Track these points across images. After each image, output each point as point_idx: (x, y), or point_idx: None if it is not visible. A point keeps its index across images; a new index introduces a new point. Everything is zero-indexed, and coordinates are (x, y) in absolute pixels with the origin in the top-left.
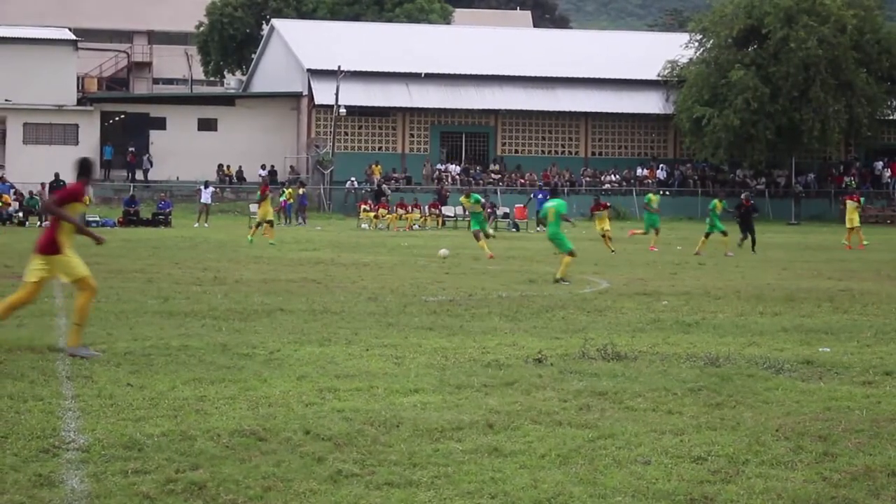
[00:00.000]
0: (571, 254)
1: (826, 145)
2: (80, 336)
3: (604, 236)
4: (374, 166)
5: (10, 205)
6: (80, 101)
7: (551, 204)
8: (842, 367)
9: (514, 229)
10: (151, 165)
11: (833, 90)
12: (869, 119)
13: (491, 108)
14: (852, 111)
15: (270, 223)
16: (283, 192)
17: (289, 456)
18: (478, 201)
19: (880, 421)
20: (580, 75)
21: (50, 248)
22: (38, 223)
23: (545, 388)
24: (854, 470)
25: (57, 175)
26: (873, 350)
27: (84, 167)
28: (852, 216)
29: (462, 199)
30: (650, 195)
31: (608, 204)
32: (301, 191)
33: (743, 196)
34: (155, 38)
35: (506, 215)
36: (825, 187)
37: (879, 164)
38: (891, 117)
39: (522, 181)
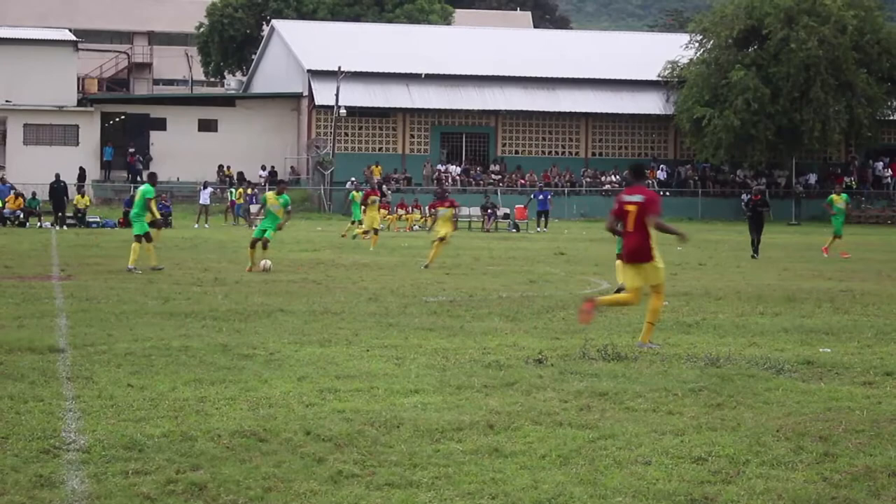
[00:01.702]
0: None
1: (826, 146)
2: (651, 333)
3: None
4: (374, 167)
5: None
6: (80, 102)
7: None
8: (842, 367)
9: (514, 230)
10: (144, 166)
11: (833, 91)
12: (869, 119)
13: (491, 108)
14: (853, 112)
15: (376, 231)
16: (233, 191)
17: (289, 456)
18: (287, 203)
19: (881, 421)
20: (580, 76)
21: (643, 256)
22: (38, 224)
23: (545, 389)
24: (855, 470)
25: (57, 176)
26: (874, 350)
27: (639, 172)
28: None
29: (268, 194)
30: (832, 196)
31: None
32: (250, 191)
33: (754, 189)
34: (155, 38)
35: (506, 216)
36: (826, 188)
37: (880, 165)
38: (891, 118)
39: (523, 182)
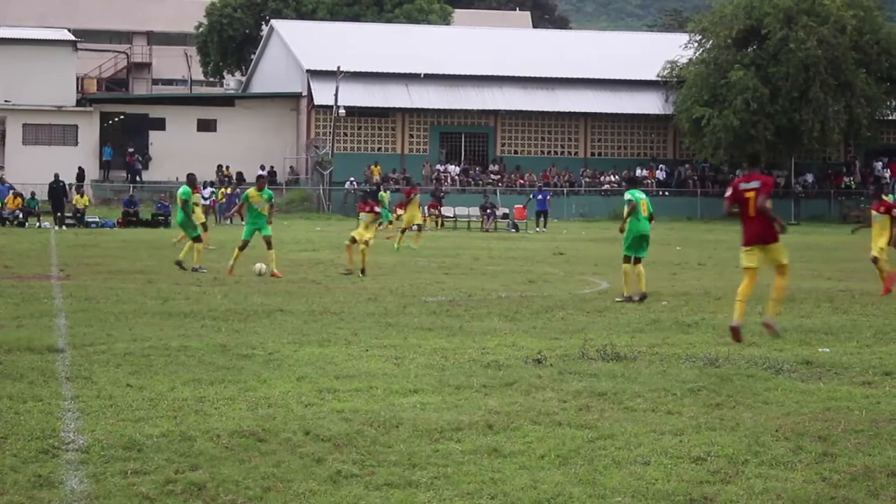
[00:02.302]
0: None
1: (826, 146)
2: (777, 308)
3: None
4: (373, 167)
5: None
6: (79, 102)
7: (641, 196)
8: (841, 367)
9: (513, 230)
10: (143, 166)
11: (833, 91)
12: (868, 119)
13: (490, 108)
14: (852, 111)
15: (420, 227)
16: (214, 192)
17: (288, 456)
18: (270, 198)
19: (880, 421)
20: (579, 76)
21: (770, 237)
22: (37, 224)
23: (545, 389)
24: (853, 470)
25: (56, 176)
26: (873, 350)
27: (755, 159)
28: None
29: (251, 191)
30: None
31: None
32: (227, 191)
33: None
34: (154, 38)
35: (505, 216)
36: (825, 188)
37: (879, 165)
38: (890, 117)
39: (522, 182)
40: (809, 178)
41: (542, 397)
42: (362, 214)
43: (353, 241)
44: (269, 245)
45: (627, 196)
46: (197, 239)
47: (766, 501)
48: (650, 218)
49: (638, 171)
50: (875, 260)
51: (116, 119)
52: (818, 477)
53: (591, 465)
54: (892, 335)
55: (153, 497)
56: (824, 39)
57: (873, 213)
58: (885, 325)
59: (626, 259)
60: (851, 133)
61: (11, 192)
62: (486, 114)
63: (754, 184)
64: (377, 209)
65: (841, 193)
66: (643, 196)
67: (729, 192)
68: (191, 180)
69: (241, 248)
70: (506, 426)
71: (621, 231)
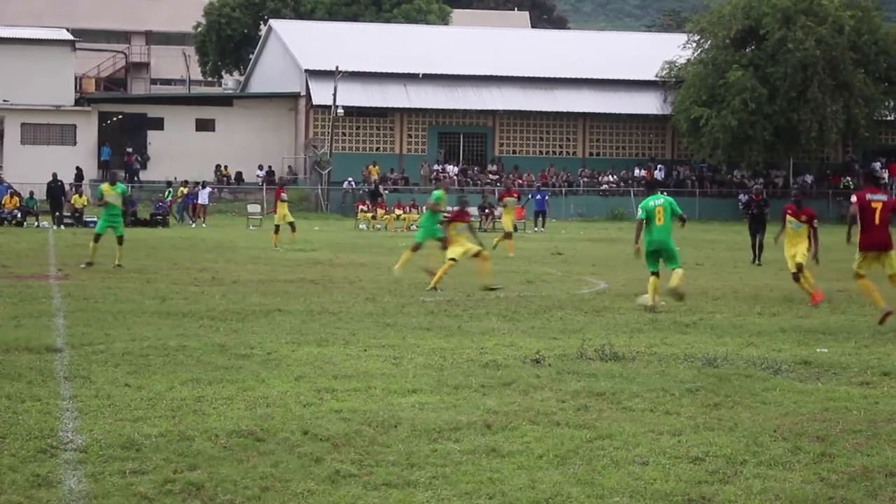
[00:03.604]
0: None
1: (824, 146)
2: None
3: None
4: (371, 167)
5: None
6: (77, 102)
7: (659, 201)
8: (840, 367)
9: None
10: (142, 166)
11: (831, 91)
12: (867, 120)
13: (489, 108)
14: (850, 112)
15: (509, 235)
16: (171, 191)
17: (287, 456)
18: (124, 192)
19: (878, 421)
20: (578, 76)
21: (888, 246)
22: (36, 224)
23: (543, 389)
24: (852, 470)
25: (55, 175)
26: (871, 350)
27: (872, 176)
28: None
29: (104, 186)
30: None
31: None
32: (186, 190)
33: (754, 189)
34: (153, 38)
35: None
36: (823, 188)
37: (878, 165)
38: (888, 118)
39: (520, 182)
40: (808, 178)
41: (540, 397)
42: (458, 225)
43: (454, 261)
44: (119, 242)
45: (639, 212)
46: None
47: (764, 501)
48: (682, 219)
49: (636, 172)
50: (798, 275)
51: (115, 119)
52: (816, 477)
53: (590, 465)
54: (889, 335)
55: (151, 497)
56: (822, 40)
57: (791, 219)
58: (882, 326)
59: (653, 273)
60: (850, 133)
61: (9, 191)
62: (484, 114)
63: (881, 196)
64: (468, 218)
65: (839, 194)
66: (660, 201)
67: (856, 201)
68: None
69: (95, 241)
70: (504, 426)
71: (637, 253)
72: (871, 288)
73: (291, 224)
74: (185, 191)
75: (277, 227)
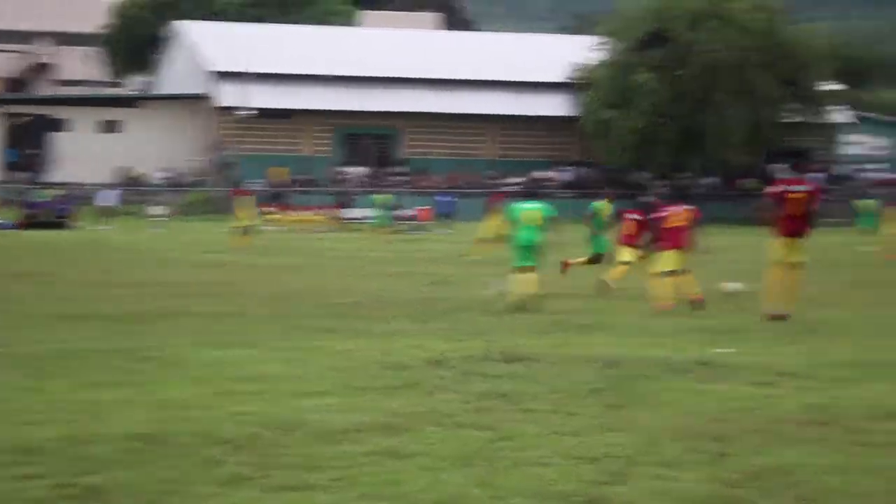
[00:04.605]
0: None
1: (728, 148)
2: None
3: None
4: (275, 168)
5: None
6: None
7: (531, 206)
8: (740, 368)
9: (419, 232)
10: (46, 168)
11: (736, 94)
12: (771, 122)
13: (397, 110)
14: (754, 114)
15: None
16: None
17: (185, 460)
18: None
19: (776, 421)
20: (487, 77)
21: (802, 233)
22: None
23: (447, 390)
24: (748, 470)
25: None
26: (771, 351)
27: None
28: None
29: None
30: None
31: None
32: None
33: (653, 193)
34: (59, 38)
35: (411, 217)
36: (727, 190)
37: (781, 167)
38: (793, 120)
39: (428, 184)
40: (713, 180)
41: (444, 398)
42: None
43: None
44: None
45: (511, 214)
46: None
47: (660, 501)
48: (545, 226)
49: (537, 174)
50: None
51: (19, 119)
52: (712, 477)
53: (492, 466)
54: (789, 336)
55: (47, 501)
56: (729, 43)
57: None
58: (785, 325)
59: (520, 269)
60: (754, 135)
61: None
62: (392, 115)
63: (802, 187)
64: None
65: (743, 195)
66: (533, 206)
67: (773, 191)
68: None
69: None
70: (407, 427)
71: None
72: (776, 284)
73: (246, 228)
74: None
75: (241, 228)
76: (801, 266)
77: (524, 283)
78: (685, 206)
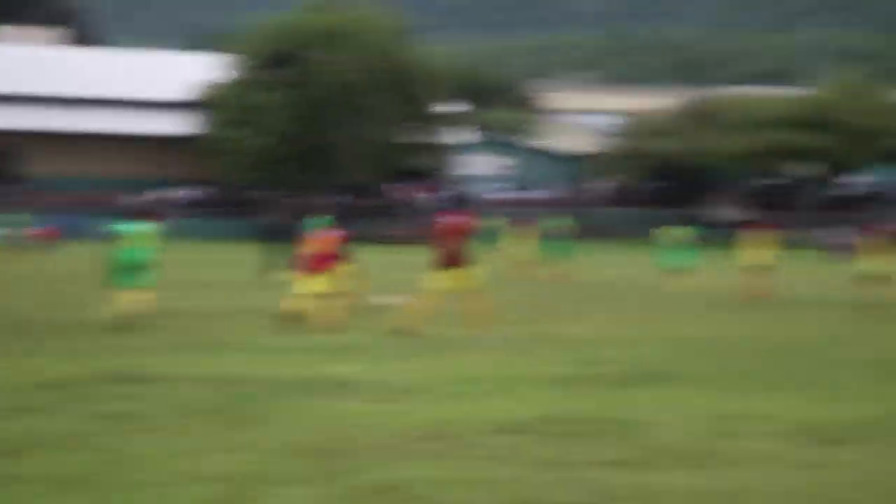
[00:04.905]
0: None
1: (350, 167)
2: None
3: None
4: None
5: None
6: None
7: (138, 228)
8: (361, 384)
9: (41, 251)
10: None
11: (356, 113)
12: (392, 142)
13: (16, 128)
14: (376, 134)
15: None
16: None
17: None
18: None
19: (395, 437)
20: (111, 96)
21: (461, 264)
22: None
23: (62, 412)
24: (367, 486)
25: None
26: (393, 367)
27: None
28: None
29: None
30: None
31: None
32: None
33: (275, 210)
34: None
35: (32, 237)
36: (351, 211)
37: (401, 186)
38: (414, 141)
39: (49, 202)
40: (343, 199)
41: (59, 420)
42: None
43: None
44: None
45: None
46: None
47: None
48: (152, 246)
49: (170, 192)
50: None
51: None
52: (330, 495)
53: (109, 488)
54: (413, 352)
55: None
56: (351, 63)
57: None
58: (408, 342)
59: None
60: (374, 155)
61: None
62: (11, 133)
63: (459, 219)
64: None
65: (364, 214)
66: (139, 228)
67: (439, 226)
68: None
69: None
70: (19, 450)
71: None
72: (428, 307)
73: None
74: None
75: None
76: (476, 291)
77: (132, 303)
78: (336, 232)
